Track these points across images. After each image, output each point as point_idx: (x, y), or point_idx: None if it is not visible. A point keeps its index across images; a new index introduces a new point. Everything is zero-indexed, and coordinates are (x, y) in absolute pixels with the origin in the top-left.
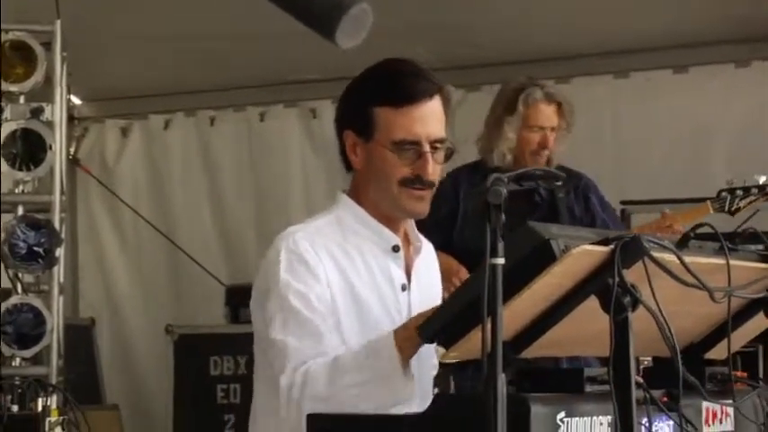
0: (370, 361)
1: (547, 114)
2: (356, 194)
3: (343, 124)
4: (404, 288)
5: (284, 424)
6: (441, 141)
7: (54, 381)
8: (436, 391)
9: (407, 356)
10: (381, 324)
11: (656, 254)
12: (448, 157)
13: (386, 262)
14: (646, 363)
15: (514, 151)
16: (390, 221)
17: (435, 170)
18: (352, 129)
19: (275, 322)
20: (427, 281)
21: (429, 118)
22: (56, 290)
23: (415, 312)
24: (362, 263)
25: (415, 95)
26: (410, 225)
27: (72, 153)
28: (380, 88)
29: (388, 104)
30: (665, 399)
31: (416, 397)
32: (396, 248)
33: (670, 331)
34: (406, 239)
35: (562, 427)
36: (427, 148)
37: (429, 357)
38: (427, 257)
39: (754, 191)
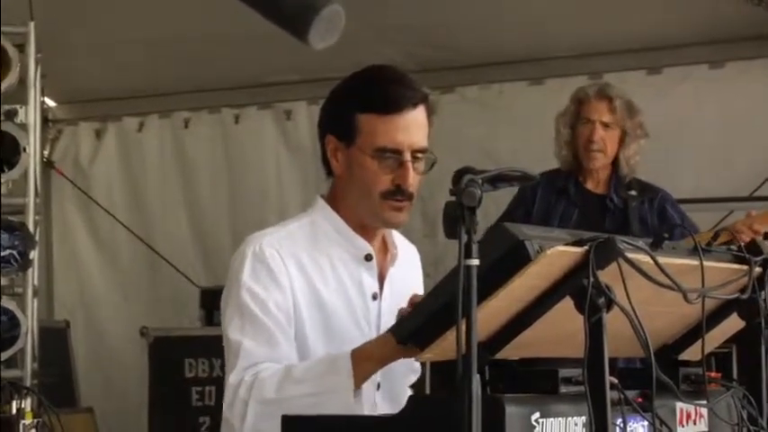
0: (323, 375)
1: (596, 108)
2: (334, 200)
3: (326, 129)
4: (375, 297)
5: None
6: (422, 151)
7: (28, 383)
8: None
9: (363, 376)
10: (348, 332)
11: (630, 255)
12: (429, 167)
13: (357, 271)
14: None
15: (571, 147)
16: (366, 229)
17: (415, 180)
18: (334, 134)
19: (233, 323)
20: (403, 289)
21: (412, 127)
22: (30, 292)
23: (384, 321)
24: (332, 271)
25: (399, 103)
26: (388, 232)
27: (46, 155)
28: (365, 94)
29: (371, 111)
30: (640, 399)
31: (385, 404)
32: (368, 257)
33: (644, 332)
34: (384, 247)
35: (537, 428)
36: (408, 157)
37: (401, 364)
38: (407, 263)
39: None
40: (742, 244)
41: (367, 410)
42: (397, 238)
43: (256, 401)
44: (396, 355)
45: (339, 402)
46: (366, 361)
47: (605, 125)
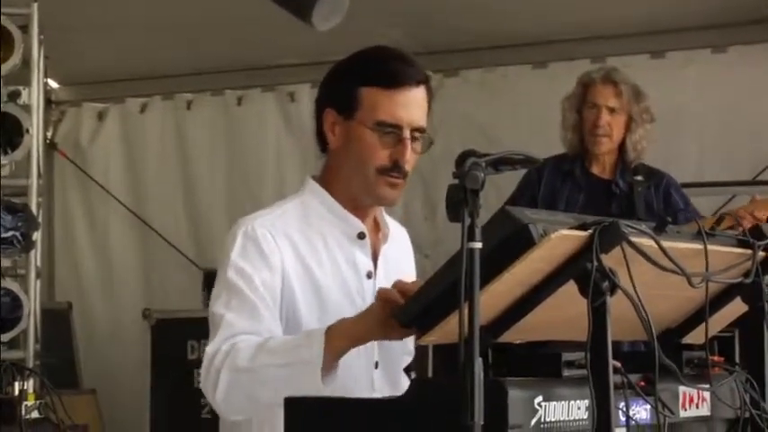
0: (296, 347)
1: (602, 93)
2: (327, 177)
3: (325, 102)
4: (369, 275)
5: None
6: (421, 131)
7: (31, 365)
8: (413, 375)
9: (336, 353)
10: (343, 311)
11: (634, 239)
12: (426, 148)
13: (351, 249)
14: None
15: (576, 132)
16: (358, 208)
17: (412, 159)
18: (334, 107)
19: (220, 299)
20: (396, 268)
21: (413, 105)
22: (33, 274)
23: None
24: (325, 250)
25: (402, 79)
26: (380, 211)
27: (49, 137)
28: (369, 69)
29: (374, 85)
30: (643, 383)
31: (384, 385)
32: (361, 235)
33: (647, 316)
34: (376, 226)
35: (540, 411)
36: (407, 134)
37: (399, 344)
38: (399, 244)
39: None
40: (745, 229)
41: (365, 389)
42: (389, 220)
43: (229, 369)
44: (372, 335)
45: (309, 375)
46: (340, 338)
47: (611, 110)
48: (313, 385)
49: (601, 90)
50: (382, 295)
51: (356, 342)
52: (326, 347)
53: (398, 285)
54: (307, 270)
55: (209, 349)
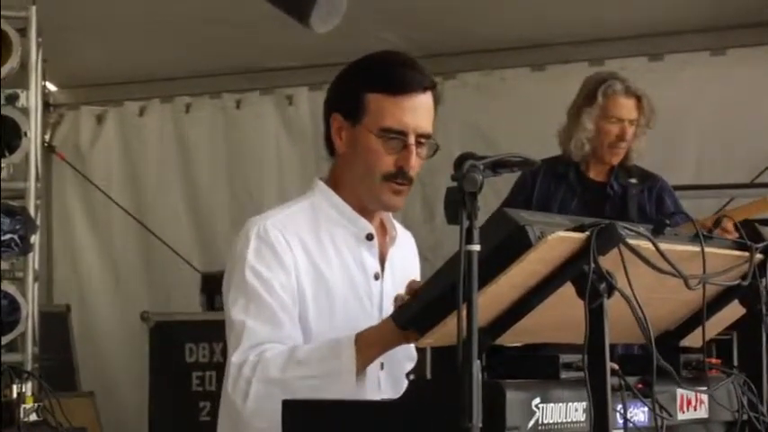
0: (326, 358)
1: (626, 107)
2: (334, 180)
3: (332, 107)
4: (377, 277)
5: (230, 402)
6: (426, 137)
7: (29, 367)
8: (411, 377)
9: (366, 360)
10: (352, 312)
11: (631, 241)
12: (432, 153)
13: (359, 250)
14: None
15: (593, 142)
16: (366, 210)
17: (417, 164)
18: (340, 112)
19: (237, 304)
20: (402, 270)
21: (419, 111)
22: (31, 277)
23: (386, 300)
24: (334, 251)
25: (408, 86)
26: (386, 214)
27: (47, 140)
28: (375, 75)
29: (380, 91)
30: (640, 386)
31: (388, 386)
32: (370, 237)
33: (645, 318)
34: (383, 228)
35: (537, 413)
36: (413, 140)
37: (402, 348)
38: (405, 247)
39: None
40: (742, 231)
41: (371, 390)
42: (396, 224)
43: (259, 381)
44: (398, 341)
45: (341, 386)
46: (369, 346)
47: (631, 122)
48: (345, 394)
49: (625, 103)
50: (399, 301)
51: (384, 350)
52: (357, 358)
53: (412, 284)
54: (317, 270)
55: (236, 359)
